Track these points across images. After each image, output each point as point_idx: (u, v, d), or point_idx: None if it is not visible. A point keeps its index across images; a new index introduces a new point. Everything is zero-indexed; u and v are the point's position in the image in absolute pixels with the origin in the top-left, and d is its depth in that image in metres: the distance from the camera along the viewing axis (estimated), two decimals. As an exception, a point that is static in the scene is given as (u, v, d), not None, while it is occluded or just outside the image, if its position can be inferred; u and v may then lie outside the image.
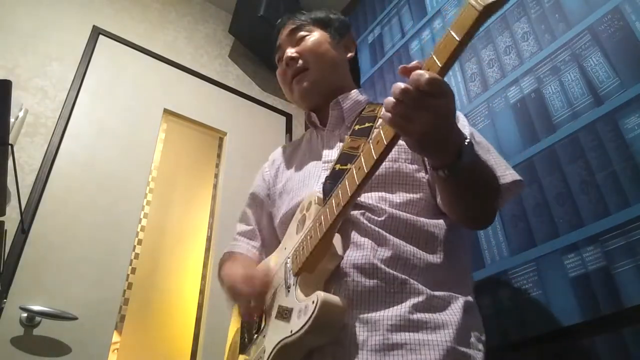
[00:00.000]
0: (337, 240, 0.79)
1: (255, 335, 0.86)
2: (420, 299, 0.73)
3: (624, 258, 0.96)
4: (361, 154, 0.69)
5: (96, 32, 2.04)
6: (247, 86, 2.47)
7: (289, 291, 0.79)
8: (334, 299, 0.71)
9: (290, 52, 1.04)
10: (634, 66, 1.07)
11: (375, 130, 0.84)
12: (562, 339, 1.03)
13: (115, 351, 1.69)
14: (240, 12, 2.44)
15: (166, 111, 2.08)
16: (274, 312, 0.81)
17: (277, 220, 1.02)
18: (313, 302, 0.70)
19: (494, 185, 0.80)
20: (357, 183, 0.68)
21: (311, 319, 0.68)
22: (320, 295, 0.69)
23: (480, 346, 0.74)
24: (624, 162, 1.02)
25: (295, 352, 0.74)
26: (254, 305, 0.85)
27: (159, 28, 2.30)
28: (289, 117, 2.53)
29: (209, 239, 1.98)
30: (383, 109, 0.63)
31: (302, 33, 1.06)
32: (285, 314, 0.76)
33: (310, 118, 1.08)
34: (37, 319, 1.41)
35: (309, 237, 0.78)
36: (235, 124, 2.28)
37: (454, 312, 0.74)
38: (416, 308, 0.72)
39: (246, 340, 0.90)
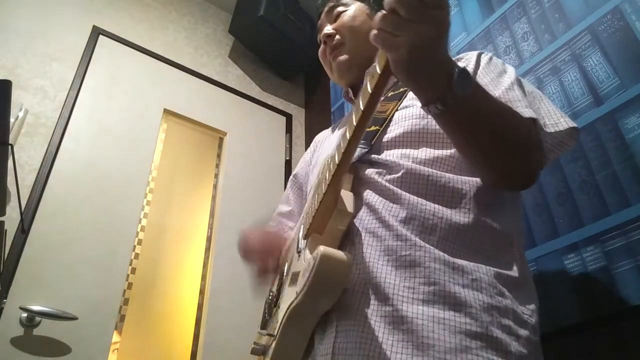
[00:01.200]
0: (347, 197, 0.71)
1: (274, 309, 0.84)
2: (437, 266, 0.64)
3: (624, 258, 0.96)
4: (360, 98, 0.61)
5: (96, 32, 2.04)
6: (247, 86, 2.48)
7: (299, 256, 0.75)
8: (337, 252, 0.64)
9: (327, 29, 1.03)
10: (634, 66, 1.07)
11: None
12: (562, 339, 1.03)
13: (115, 351, 1.69)
14: (240, 12, 2.44)
15: (166, 111, 2.08)
16: (288, 282, 0.79)
17: (308, 192, 1.01)
18: (314, 257, 0.64)
19: (521, 132, 0.69)
20: (355, 123, 0.61)
21: (312, 274, 0.63)
22: (320, 249, 0.63)
23: (523, 331, 0.63)
24: (624, 162, 1.03)
25: (304, 317, 0.68)
26: (262, 260, 0.87)
27: (159, 28, 2.30)
28: (289, 117, 2.53)
29: (209, 239, 1.98)
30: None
31: (340, 9, 1.05)
32: (294, 279, 0.72)
33: (348, 94, 1.06)
34: (37, 319, 1.41)
35: (316, 196, 0.74)
36: (235, 124, 2.28)
37: (482, 288, 0.63)
38: (432, 279, 0.63)
39: (266, 316, 0.88)
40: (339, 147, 0.66)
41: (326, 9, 1.07)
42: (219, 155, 2.23)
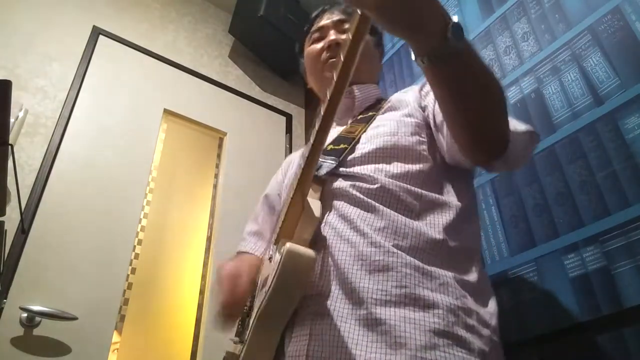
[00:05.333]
0: (315, 204, 0.75)
1: (247, 319, 0.85)
2: (408, 271, 0.68)
3: (624, 258, 0.96)
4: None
5: (96, 32, 2.04)
6: (247, 86, 2.48)
7: (270, 261, 0.77)
8: (302, 248, 0.66)
9: (337, 36, 1.01)
10: (634, 66, 1.07)
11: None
12: (562, 339, 1.03)
13: (115, 351, 1.69)
14: (240, 12, 2.44)
15: (166, 111, 2.08)
16: (259, 288, 0.80)
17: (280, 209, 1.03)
18: (280, 252, 0.66)
19: (500, 95, 0.71)
20: (317, 127, 0.64)
21: (278, 270, 0.64)
22: (287, 245, 0.65)
23: (485, 331, 0.67)
24: (624, 162, 1.02)
25: (273, 317, 0.69)
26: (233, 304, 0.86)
27: (159, 28, 2.30)
28: (289, 117, 2.53)
29: (209, 239, 1.98)
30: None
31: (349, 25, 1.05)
32: (265, 283, 0.73)
33: None
34: (37, 319, 1.41)
35: (285, 203, 0.77)
36: (235, 124, 2.28)
37: (448, 291, 0.67)
38: (404, 282, 0.67)
39: (240, 327, 0.89)
40: (303, 154, 0.71)
41: (335, 17, 1.05)
42: (219, 155, 2.23)
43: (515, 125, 0.78)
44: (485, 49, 1.50)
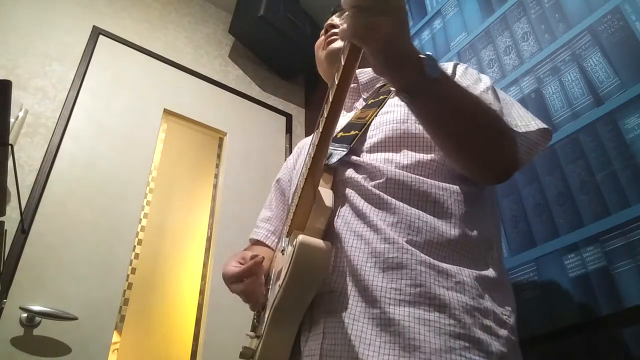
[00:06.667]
0: (326, 194, 0.72)
1: (262, 312, 0.84)
2: (423, 269, 0.65)
3: (624, 258, 0.96)
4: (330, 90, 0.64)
5: (96, 32, 2.04)
6: (247, 86, 2.48)
7: (283, 254, 0.76)
8: (315, 240, 0.65)
9: (334, 20, 1.07)
10: (634, 66, 1.07)
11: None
12: (562, 339, 1.03)
13: (115, 351, 1.69)
14: (240, 12, 2.44)
15: (166, 111, 2.08)
16: (273, 281, 0.79)
17: (291, 196, 1.01)
18: (292, 245, 0.64)
19: (491, 117, 0.72)
20: (325, 115, 0.64)
21: (291, 263, 0.63)
22: (299, 237, 0.64)
23: (503, 331, 0.65)
24: (624, 162, 1.03)
25: (288, 311, 0.68)
26: (248, 283, 0.81)
27: (159, 28, 2.30)
28: (289, 117, 2.53)
29: (209, 239, 1.98)
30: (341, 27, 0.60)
31: None
32: (278, 276, 0.72)
33: None
34: (37, 319, 1.41)
35: (296, 194, 0.75)
36: (235, 124, 2.28)
37: (464, 290, 0.65)
38: (418, 281, 0.64)
39: (255, 322, 0.89)
40: (313, 142, 0.69)
41: (339, 12, 1.11)
42: (219, 155, 2.23)
43: (528, 123, 0.77)
44: (485, 49, 1.50)
